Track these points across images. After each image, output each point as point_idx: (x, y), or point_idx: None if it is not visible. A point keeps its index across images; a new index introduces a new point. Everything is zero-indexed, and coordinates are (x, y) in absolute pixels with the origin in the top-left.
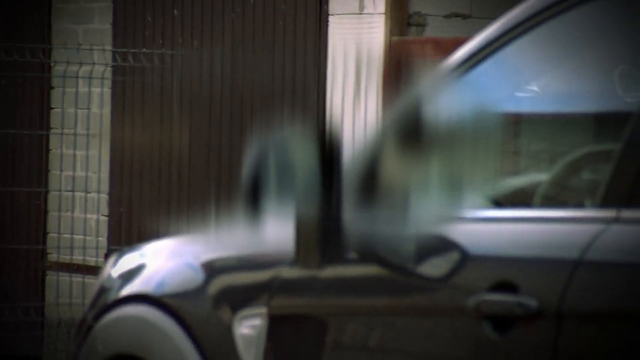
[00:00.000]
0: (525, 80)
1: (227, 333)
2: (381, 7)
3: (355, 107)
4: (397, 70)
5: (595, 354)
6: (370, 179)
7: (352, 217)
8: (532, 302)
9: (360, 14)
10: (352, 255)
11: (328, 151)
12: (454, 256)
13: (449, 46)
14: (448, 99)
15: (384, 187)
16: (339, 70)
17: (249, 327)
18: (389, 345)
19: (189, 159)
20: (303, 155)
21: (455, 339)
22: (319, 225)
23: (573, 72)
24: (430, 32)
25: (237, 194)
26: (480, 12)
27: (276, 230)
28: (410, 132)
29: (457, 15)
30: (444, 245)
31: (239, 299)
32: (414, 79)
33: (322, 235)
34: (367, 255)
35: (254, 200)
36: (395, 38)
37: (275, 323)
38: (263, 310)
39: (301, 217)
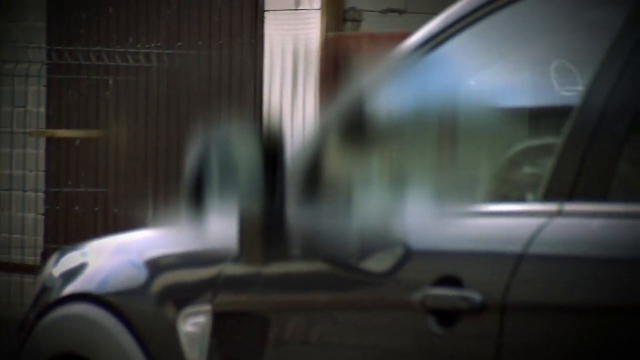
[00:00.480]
0: (468, 75)
1: (172, 331)
2: (317, 3)
3: (293, 103)
4: (334, 65)
5: (539, 347)
6: (314, 175)
7: (295, 212)
8: (476, 296)
9: (296, 9)
10: (296, 250)
11: (271, 147)
12: (398, 251)
13: (384, 41)
14: (391, 94)
15: (327, 182)
16: (276, 66)
17: (193, 324)
18: (335, 340)
19: (127, 156)
20: (246, 152)
21: (400, 333)
22: (262, 222)
23: (514, 66)
24: (366, 27)
25: (176, 190)
26: (416, 7)
27: (220, 227)
28: (353, 127)
29: (392, 11)
30: (388, 240)
31: (182, 296)
32: (351, 73)
33: (265, 232)
34: (312, 250)
35: (198, 197)
36: (331, 33)
37: (219, 320)
38: (207, 307)
39: (245, 213)
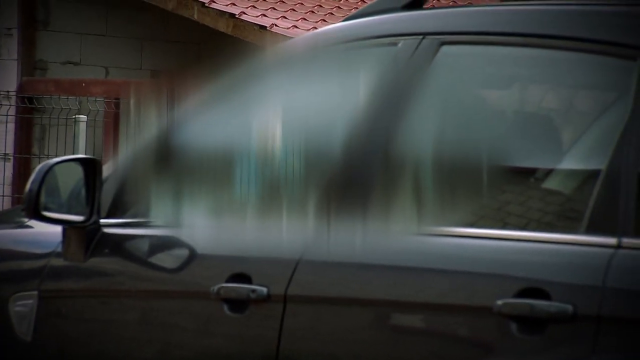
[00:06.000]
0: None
1: (3, 310)
2: (14, 54)
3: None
4: (30, 102)
5: (310, 327)
6: (123, 193)
7: (109, 221)
8: (263, 289)
9: None
10: (109, 250)
11: (90, 170)
12: (194, 252)
13: (65, 85)
14: (183, 134)
15: (133, 199)
16: None
17: (22, 305)
18: (145, 321)
19: None
20: (73, 175)
21: (200, 316)
22: (82, 226)
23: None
24: (51, 74)
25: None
26: (88, 60)
27: (48, 228)
28: (152, 158)
29: (70, 62)
30: (184, 244)
31: (14, 282)
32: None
33: (85, 235)
34: (122, 251)
35: (35, 206)
36: (25, 78)
37: (44, 302)
38: (34, 292)
39: (70, 220)
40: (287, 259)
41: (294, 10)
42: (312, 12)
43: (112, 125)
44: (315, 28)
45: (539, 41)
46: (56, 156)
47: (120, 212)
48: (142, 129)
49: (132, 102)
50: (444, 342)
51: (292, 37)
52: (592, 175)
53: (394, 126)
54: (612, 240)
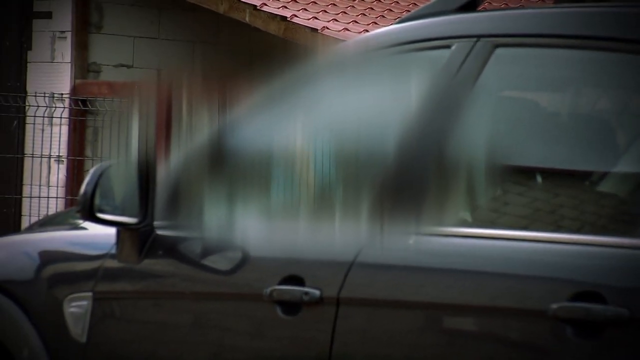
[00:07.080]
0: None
1: (58, 311)
2: (68, 57)
3: (46, 131)
4: (84, 104)
5: (363, 330)
6: (176, 195)
7: (162, 223)
8: (316, 292)
9: (52, 62)
10: (162, 252)
11: (144, 172)
12: (247, 255)
13: (118, 87)
14: (235, 137)
15: (186, 201)
16: (38, 102)
17: (77, 306)
18: (198, 323)
19: None
20: (127, 177)
21: (253, 318)
22: (137, 229)
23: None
24: (104, 77)
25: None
26: (140, 63)
27: (103, 230)
28: (205, 161)
29: (123, 65)
30: (237, 246)
31: (69, 284)
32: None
33: (139, 236)
34: (175, 253)
35: (89, 208)
36: (78, 81)
37: (99, 303)
38: (89, 293)
39: (124, 222)
40: (340, 261)
41: (345, 13)
42: (364, 14)
43: (163, 127)
44: (367, 31)
45: (593, 43)
46: (109, 158)
47: (174, 215)
48: (194, 131)
49: (184, 103)
50: (497, 346)
51: (343, 40)
52: None
53: (447, 129)
54: None
